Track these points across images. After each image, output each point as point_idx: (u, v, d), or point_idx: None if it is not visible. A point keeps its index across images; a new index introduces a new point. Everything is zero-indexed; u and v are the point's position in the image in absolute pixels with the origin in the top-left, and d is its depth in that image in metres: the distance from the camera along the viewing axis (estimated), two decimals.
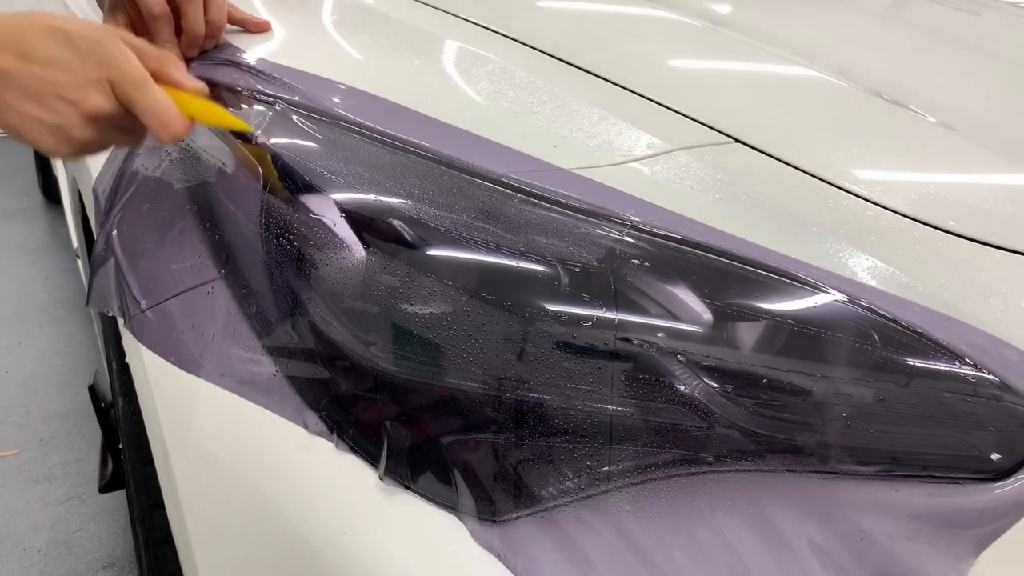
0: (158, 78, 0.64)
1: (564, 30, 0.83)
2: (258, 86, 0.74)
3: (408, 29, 0.85)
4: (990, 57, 0.97)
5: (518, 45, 0.79)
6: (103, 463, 1.35)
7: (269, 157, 0.64)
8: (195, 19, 0.79)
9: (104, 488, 1.35)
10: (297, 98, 0.70)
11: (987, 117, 0.76)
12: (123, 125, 0.64)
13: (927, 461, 0.51)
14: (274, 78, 0.74)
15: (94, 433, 1.39)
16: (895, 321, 0.52)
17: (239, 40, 0.84)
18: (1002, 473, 0.50)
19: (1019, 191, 0.66)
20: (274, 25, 0.83)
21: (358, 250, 0.57)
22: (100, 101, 0.62)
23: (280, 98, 0.71)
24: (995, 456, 0.50)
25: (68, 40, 0.61)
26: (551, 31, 0.81)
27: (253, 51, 0.81)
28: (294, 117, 0.68)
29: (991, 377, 0.50)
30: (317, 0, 0.94)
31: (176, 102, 0.63)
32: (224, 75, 0.78)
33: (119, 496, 1.62)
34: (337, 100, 0.68)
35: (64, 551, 1.67)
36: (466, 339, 0.54)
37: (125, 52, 0.63)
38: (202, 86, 0.66)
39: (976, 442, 0.51)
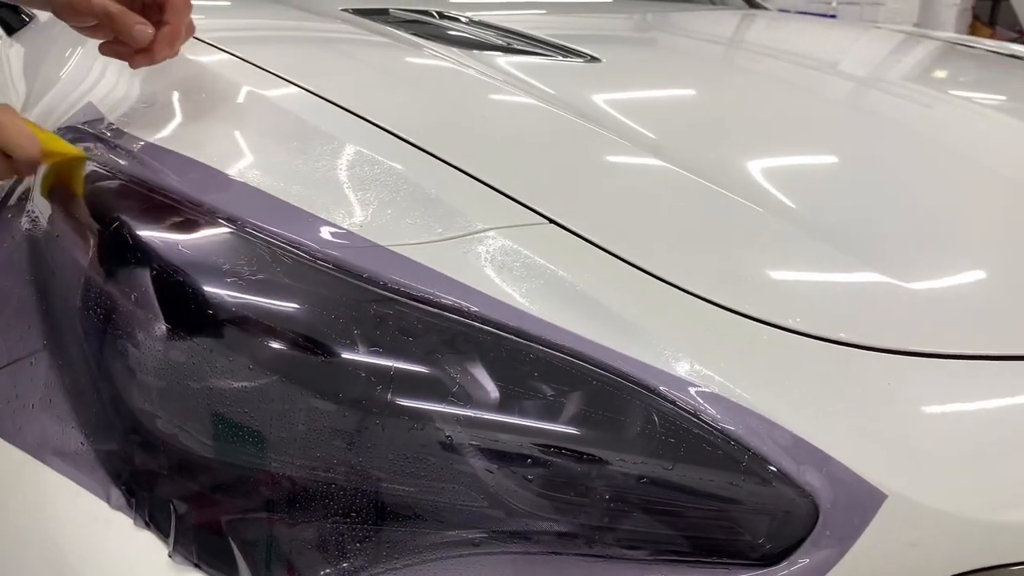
0: None
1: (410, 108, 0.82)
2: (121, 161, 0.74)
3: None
4: (827, 143, 0.95)
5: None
6: None
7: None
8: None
9: None
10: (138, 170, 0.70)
11: (817, 211, 0.75)
12: None
13: (697, 545, 0.50)
14: (128, 153, 0.75)
15: None
16: (673, 403, 0.52)
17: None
18: (772, 558, 0.50)
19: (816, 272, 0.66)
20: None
21: (159, 326, 0.57)
22: None
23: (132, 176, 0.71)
24: (765, 541, 0.50)
25: None
26: (400, 111, 0.80)
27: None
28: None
29: (763, 460, 0.50)
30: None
31: None
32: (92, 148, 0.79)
33: None
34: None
35: None
36: (248, 419, 0.53)
37: None
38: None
39: (747, 526, 0.50)
